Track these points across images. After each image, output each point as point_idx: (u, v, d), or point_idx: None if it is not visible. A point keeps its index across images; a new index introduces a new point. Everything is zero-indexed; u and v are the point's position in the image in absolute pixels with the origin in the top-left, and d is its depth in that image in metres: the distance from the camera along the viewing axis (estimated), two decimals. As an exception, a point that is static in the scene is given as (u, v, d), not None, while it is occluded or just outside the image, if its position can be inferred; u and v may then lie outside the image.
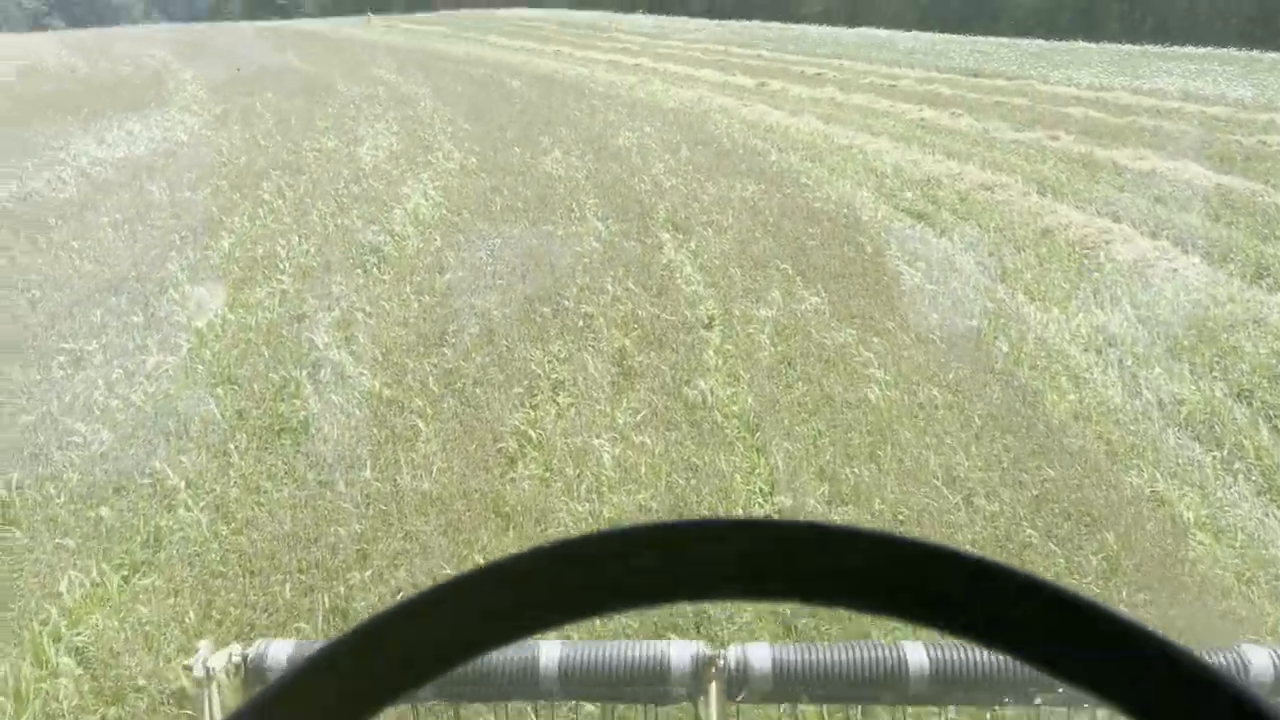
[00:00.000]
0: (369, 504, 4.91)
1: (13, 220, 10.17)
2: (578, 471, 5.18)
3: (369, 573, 4.30)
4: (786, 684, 1.54)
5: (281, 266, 8.76)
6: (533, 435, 5.55)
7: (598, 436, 5.56)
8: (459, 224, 10.39)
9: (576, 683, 1.58)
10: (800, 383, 6.35)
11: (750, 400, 6.04)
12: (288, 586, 4.20)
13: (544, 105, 19.61)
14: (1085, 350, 7.21)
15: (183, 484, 5.07)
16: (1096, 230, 10.43)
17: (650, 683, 1.57)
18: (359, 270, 8.70)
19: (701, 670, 1.56)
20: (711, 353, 6.80)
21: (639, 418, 5.79)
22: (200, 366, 6.58)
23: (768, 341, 6.97)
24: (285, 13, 70.21)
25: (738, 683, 1.56)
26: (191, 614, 4.02)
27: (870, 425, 5.70)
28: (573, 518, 4.70)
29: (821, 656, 1.55)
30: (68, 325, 7.38)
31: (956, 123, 18.79)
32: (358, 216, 10.65)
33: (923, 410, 5.95)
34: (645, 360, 6.73)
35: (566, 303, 7.86)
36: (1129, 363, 6.95)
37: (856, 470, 5.17)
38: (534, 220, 10.56)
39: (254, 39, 39.94)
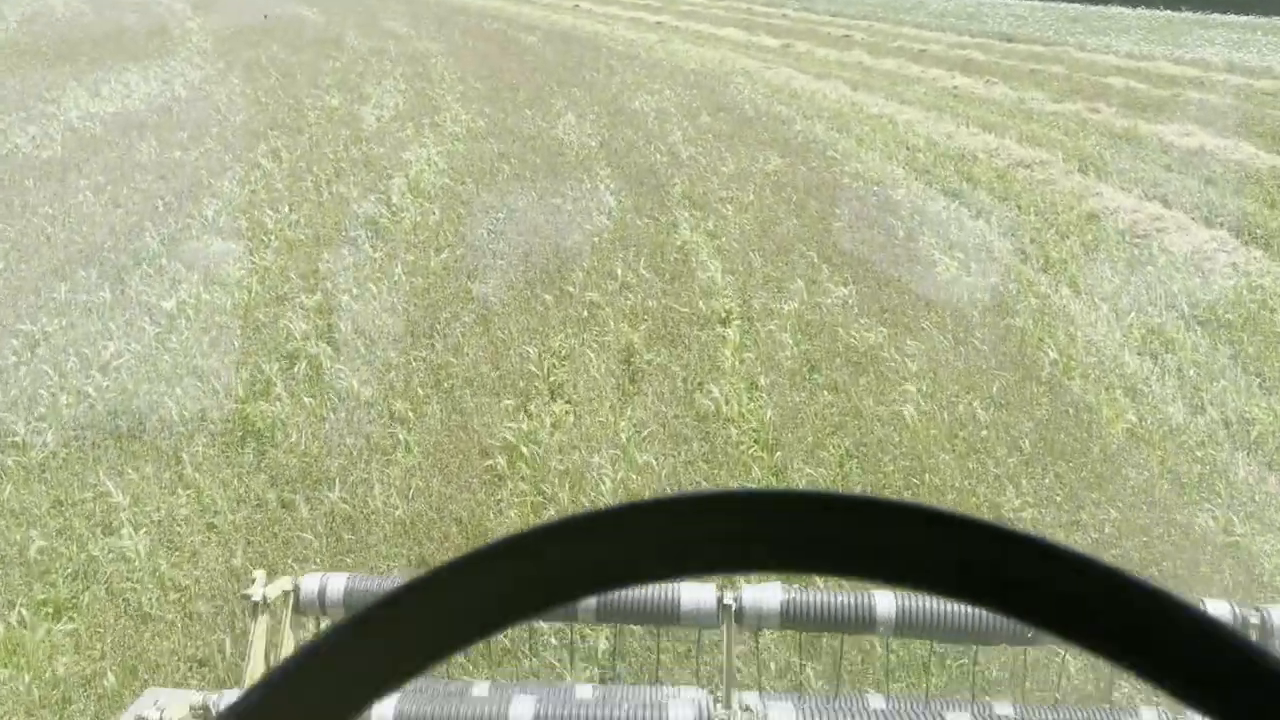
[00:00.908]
0: (331, 531, 4.32)
1: (-13, 181, 9.56)
2: (572, 497, 4.57)
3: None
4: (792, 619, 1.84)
5: (266, 240, 8.13)
6: (524, 451, 4.93)
7: (597, 453, 4.94)
8: (461, 194, 9.72)
9: (608, 613, 1.87)
10: (825, 391, 5.70)
11: (770, 412, 5.39)
12: (228, 640, 3.61)
13: (560, 64, 18.79)
14: (1140, 356, 6.53)
15: (127, 500, 4.49)
16: (1147, 216, 9.67)
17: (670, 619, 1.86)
18: (349, 246, 8.06)
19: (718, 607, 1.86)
20: (728, 353, 6.15)
21: (645, 431, 5.16)
22: (165, 356, 5.98)
23: (790, 341, 6.31)
24: (302, -39, 68.69)
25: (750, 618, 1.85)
26: (111, 676, 3.44)
27: (904, 447, 5.05)
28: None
29: (814, 598, 1.83)
30: (28, 303, 6.78)
31: (991, 91, 17.90)
32: (354, 184, 9.99)
33: (964, 429, 5.30)
34: (655, 360, 6.09)
35: (571, 289, 7.21)
36: (1190, 373, 6.27)
37: (890, 504, 4.54)
38: (541, 192, 9.88)
39: (267, -12, 38.88)
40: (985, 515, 3.75)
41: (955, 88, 18.29)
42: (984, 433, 5.24)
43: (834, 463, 4.95)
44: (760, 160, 11.35)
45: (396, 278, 7.36)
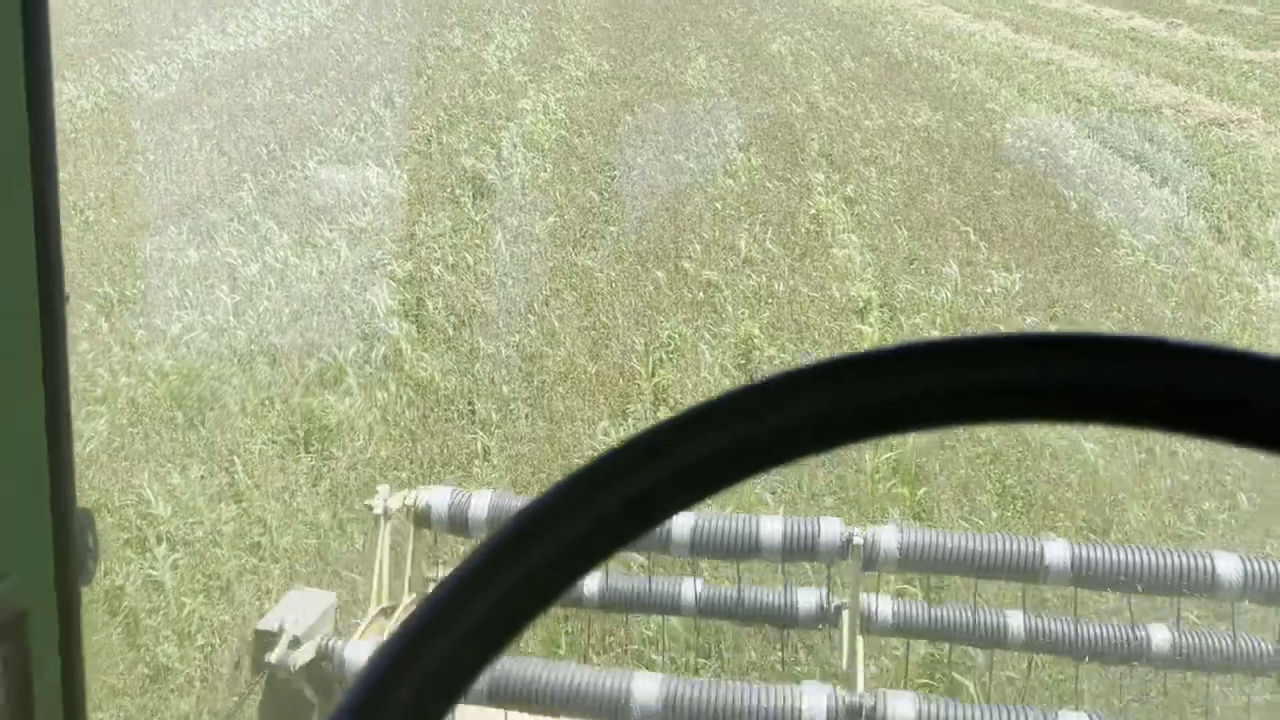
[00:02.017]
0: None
1: (97, 124, 9.31)
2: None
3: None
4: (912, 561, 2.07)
5: (365, 196, 7.56)
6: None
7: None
8: (577, 148, 8.96)
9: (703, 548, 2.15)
10: (982, 410, 4.76)
11: (913, 436, 4.50)
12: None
13: (695, 0, 17.70)
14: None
15: (167, 511, 3.96)
16: (1375, 191, 8.18)
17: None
18: (451, 205, 7.42)
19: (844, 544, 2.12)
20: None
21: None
22: (240, 332, 5.47)
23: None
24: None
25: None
26: None
27: (1085, 496, 4.09)
28: (644, 633, 3.34)
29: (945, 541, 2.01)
30: (111, 261, 6.39)
31: (1174, 35, 15.98)
32: (466, 134, 9.35)
33: (1158, 469, 4.29)
34: (776, 358, 5.24)
35: (687, 264, 6.39)
36: None
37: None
38: (663, 147, 9.02)
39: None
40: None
41: (1133, 30, 16.44)
42: (1185, 478, 4.23)
43: (988, 506, 4.04)
44: (909, 113, 10.19)
45: (496, 245, 6.68)
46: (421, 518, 2.13)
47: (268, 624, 2.16)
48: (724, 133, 9.42)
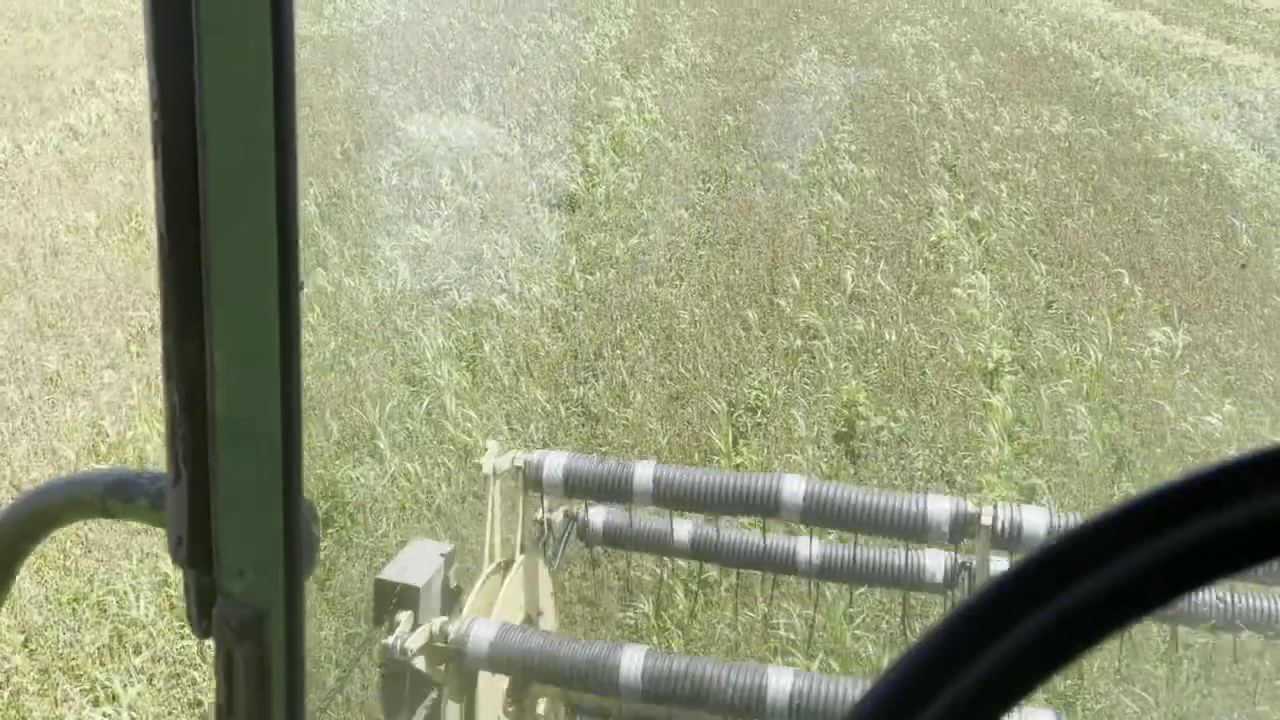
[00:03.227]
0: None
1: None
2: None
3: None
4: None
5: (436, 207, 6.93)
6: (680, 601, 3.43)
7: (783, 613, 3.36)
8: (670, 154, 8.18)
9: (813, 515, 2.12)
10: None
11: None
12: None
13: (809, -16, 16.64)
14: None
15: (148, 616, 3.38)
16: None
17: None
18: (525, 221, 6.73)
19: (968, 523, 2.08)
20: (994, 433, 4.34)
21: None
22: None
23: (1089, 418, 4.41)
24: None
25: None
26: None
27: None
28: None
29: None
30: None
31: (1349, 27, 14.32)
32: (552, 135, 8.66)
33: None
34: (885, 430, 4.40)
35: (783, 302, 5.57)
36: None
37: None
38: (765, 154, 8.17)
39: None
40: None
41: (1298, 20, 14.80)
42: None
43: (1158, 682, 3.16)
44: (1045, 118, 9.09)
45: (569, 271, 5.96)
46: (532, 480, 2.19)
47: (388, 574, 2.17)
48: (834, 138, 8.51)
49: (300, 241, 0.64)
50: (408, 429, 4.34)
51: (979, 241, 6.41)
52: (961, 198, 7.16)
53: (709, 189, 7.39)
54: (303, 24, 13.07)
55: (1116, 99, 9.91)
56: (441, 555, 2.22)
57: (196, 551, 0.68)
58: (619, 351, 5.09)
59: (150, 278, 5.77)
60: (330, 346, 5.04)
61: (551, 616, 2.58)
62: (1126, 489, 4.02)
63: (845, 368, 4.91)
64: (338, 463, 4.07)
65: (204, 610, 0.68)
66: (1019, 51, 11.88)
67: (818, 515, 2.13)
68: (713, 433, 4.29)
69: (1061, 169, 7.70)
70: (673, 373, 4.90)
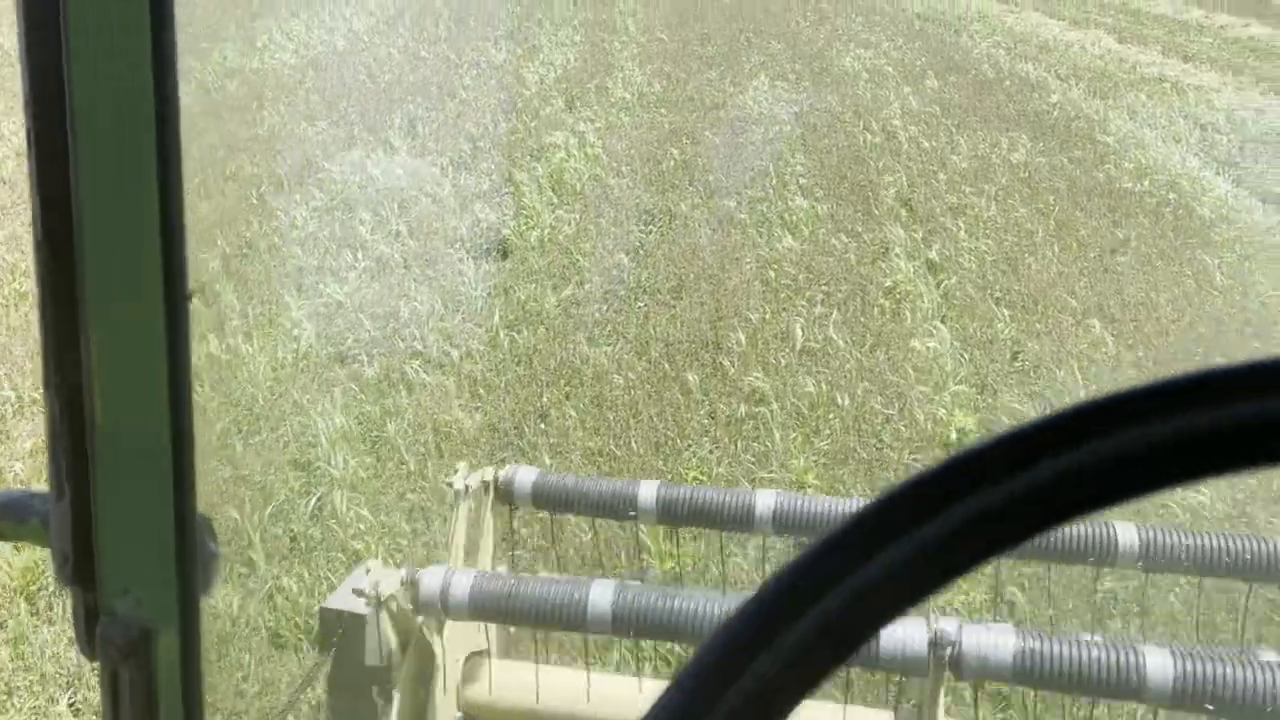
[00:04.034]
0: None
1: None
2: None
3: None
4: None
5: (353, 258, 6.39)
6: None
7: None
8: (611, 192, 7.70)
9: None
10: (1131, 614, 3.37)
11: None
12: None
13: (761, 6, 16.29)
14: None
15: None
16: None
17: None
18: (450, 272, 6.21)
19: None
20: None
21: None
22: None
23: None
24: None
25: None
26: None
27: None
28: None
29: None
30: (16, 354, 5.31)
31: (1303, 44, 14.18)
32: (485, 174, 8.16)
33: None
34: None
35: (727, 361, 5.08)
36: None
37: None
38: (712, 189, 7.71)
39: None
40: None
41: (1252, 39, 14.66)
42: None
43: None
44: (1004, 145, 8.72)
45: (493, 328, 5.44)
46: (503, 494, 2.21)
47: (334, 603, 2.13)
48: (785, 171, 8.07)
49: (186, 249, 0.61)
50: (292, 532, 3.78)
51: (938, 286, 5.97)
52: (919, 236, 6.72)
53: (651, 230, 6.91)
54: (233, 57, 12.50)
55: (1076, 123, 9.58)
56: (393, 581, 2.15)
57: (82, 569, 0.66)
58: (543, 425, 4.57)
59: (24, 350, 5.19)
60: (217, 428, 4.48)
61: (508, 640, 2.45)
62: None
63: (794, 438, 4.42)
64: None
65: (90, 630, 0.66)
66: (974, 75, 11.56)
67: (791, 528, 2.15)
68: (641, 528, 3.76)
69: (1022, 202, 7.31)
70: (602, 448, 4.39)
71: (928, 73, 11.51)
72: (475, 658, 2.25)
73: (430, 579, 1.98)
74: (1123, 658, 1.76)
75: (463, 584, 1.98)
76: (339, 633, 2.09)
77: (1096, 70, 12.20)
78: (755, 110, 9.98)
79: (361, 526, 3.79)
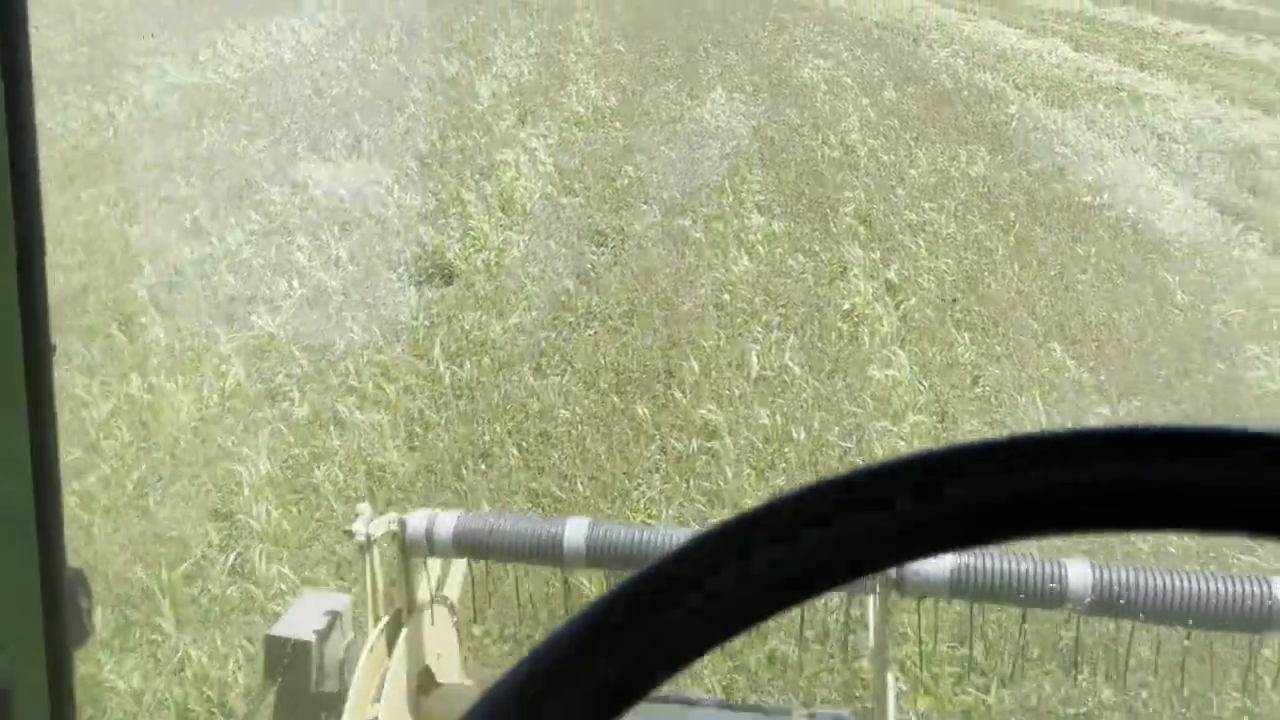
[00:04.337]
0: None
1: None
2: None
3: None
4: None
5: (289, 286, 6.11)
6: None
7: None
8: (561, 213, 7.46)
9: None
10: (1099, 677, 3.18)
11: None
12: None
13: (719, 16, 16.15)
14: None
15: None
16: None
17: None
18: (391, 300, 5.94)
19: None
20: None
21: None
22: (71, 498, 4.00)
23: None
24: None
25: None
26: None
27: None
28: None
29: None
30: None
31: (1254, 52, 14.21)
32: (433, 193, 7.89)
33: None
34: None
35: (679, 393, 4.86)
36: None
37: None
38: (667, 207, 7.50)
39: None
40: None
41: (1207, 46, 14.70)
42: None
43: None
44: (963, 159, 8.59)
45: (434, 360, 5.19)
46: (410, 542, 2.19)
47: (279, 630, 2.16)
48: (742, 188, 7.88)
49: (48, 299, 0.59)
50: (208, 594, 3.51)
51: (896, 307, 5.79)
52: (877, 255, 6.55)
53: (604, 252, 6.69)
54: (173, 73, 12.14)
55: (1034, 134, 9.48)
56: (333, 610, 2.23)
57: None
58: (483, 465, 4.32)
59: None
60: (134, 476, 4.18)
61: (454, 659, 2.46)
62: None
63: (747, 477, 4.21)
64: (104, 651, 3.21)
65: None
66: (933, 85, 11.45)
67: None
68: (584, 578, 3.52)
69: (981, 218, 7.16)
70: (545, 490, 4.15)
71: (886, 83, 11.39)
72: (426, 674, 2.26)
73: (416, 521, 2.14)
74: (1047, 569, 1.88)
75: (446, 524, 2.13)
76: (284, 661, 2.13)
77: (1054, 79, 12.15)
78: (712, 124, 9.80)
79: (283, 586, 3.52)
